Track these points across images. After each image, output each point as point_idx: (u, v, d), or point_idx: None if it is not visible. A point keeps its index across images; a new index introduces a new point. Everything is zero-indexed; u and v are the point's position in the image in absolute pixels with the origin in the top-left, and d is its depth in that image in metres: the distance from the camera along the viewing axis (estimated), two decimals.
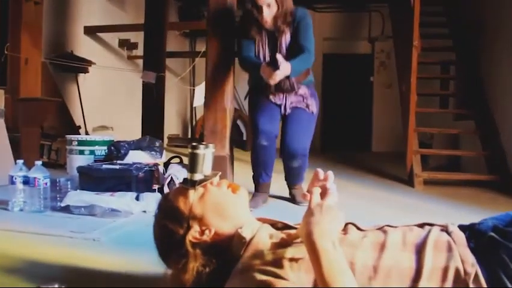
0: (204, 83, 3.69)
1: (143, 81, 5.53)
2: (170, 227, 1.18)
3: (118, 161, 3.20)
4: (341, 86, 8.96)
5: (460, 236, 1.10)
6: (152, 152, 3.35)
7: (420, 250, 1.06)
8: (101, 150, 3.49)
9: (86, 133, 5.85)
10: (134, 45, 7.20)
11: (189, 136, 9.25)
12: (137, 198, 2.76)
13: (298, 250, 1.04)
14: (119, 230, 2.28)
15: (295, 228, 1.20)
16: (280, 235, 1.16)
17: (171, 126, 8.44)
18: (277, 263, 1.03)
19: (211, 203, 1.18)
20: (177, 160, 3.51)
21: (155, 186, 2.98)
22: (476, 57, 5.38)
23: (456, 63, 5.87)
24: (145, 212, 2.64)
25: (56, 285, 1.30)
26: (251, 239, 1.13)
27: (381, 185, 4.30)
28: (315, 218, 1.02)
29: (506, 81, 4.58)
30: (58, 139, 4.58)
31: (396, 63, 5.76)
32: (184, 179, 1.24)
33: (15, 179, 2.60)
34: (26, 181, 2.60)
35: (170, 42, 7.21)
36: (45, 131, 4.75)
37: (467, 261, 1.02)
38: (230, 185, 1.24)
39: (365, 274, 1.03)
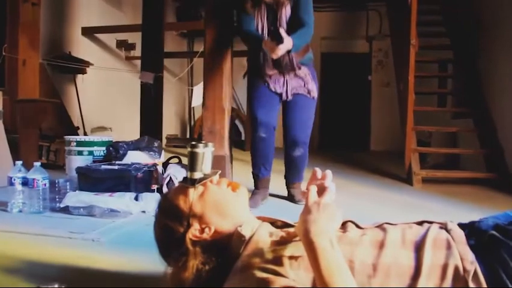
0: (202, 83, 3.69)
1: (141, 82, 5.53)
2: (170, 225, 1.18)
3: (117, 162, 3.20)
4: (339, 85, 8.97)
5: (459, 234, 1.10)
6: (151, 152, 3.34)
7: (419, 248, 1.06)
8: (100, 151, 3.49)
9: (85, 134, 5.86)
10: (132, 46, 7.20)
11: (188, 136, 9.25)
12: (136, 199, 2.76)
13: (297, 248, 1.04)
14: (119, 230, 2.28)
15: (295, 226, 1.20)
16: (279, 233, 1.16)
17: (170, 126, 8.45)
18: (277, 260, 1.03)
19: (211, 201, 1.18)
20: (176, 160, 3.51)
21: (154, 187, 2.98)
22: (473, 56, 5.39)
23: (454, 62, 5.88)
24: (144, 212, 2.65)
25: (56, 285, 1.31)
26: (251, 237, 1.14)
27: (380, 183, 4.30)
28: (312, 216, 1.02)
29: (504, 79, 4.58)
30: (57, 140, 4.57)
31: (394, 61, 5.77)
32: (184, 177, 1.24)
33: (14, 180, 2.60)
34: (25, 182, 2.60)
35: (168, 42, 7.22)
36: (44, 132, 4.75)
37: (466, 258, 1.02)
38: (230, 183, 1.25)
39: (364, 272, 1.03)
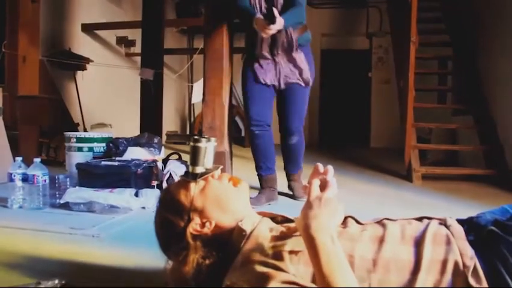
0: (201, 80, 3.69)
1: (141, 79, 5.52)
2: (171, 219, 1.18)
3: (117, 158, 3.20)
4: (339, 82, 8.97)
5: (459, 230, 1.10)
6: (151, 149, 3.35)
7: (419, 243, 1.06)
8: (100, 147, 3.50)
9: (85, 130, 5.85)
10: (132, 43, 7.19)
11: (188, 133, 9.25)
12: (136, 195, 2.76)
13: (298, 243, 1.04)
14: (119, 226, 2.29)
15: (295, 221, 1.20)
16: (280, 228, 1.17)
17: (169, 122, 8.45)
18: (277, 255, 1.03)
19: (212, 195, 1.19)
20: (176, 156, 3.51)
21: (154, 183, 2.98)
22: (473, 52, 5.38)
23: (453, 58, 5.88)
24: (144, 208, 2.65)
25: (56, 281, 1.31)
26: (251, 232, 1.14)
27: (380, 180, 4.31)
28: (314, 211, 1.01)
29: (503, 75, 4.58)
30: (57, 136, 4.57)
31: (394, 58, 5.77)
32: (186, 171, 1.24)
33: (14, 176, 2.60)
34: (25, 178, 2.60)
35: (168, 39, 7.22)
36: (44, 129, 4.75)
37: (466, 254, 1.02)
38: (231, 178, 1.25)
39: (364, 267, 1.03)
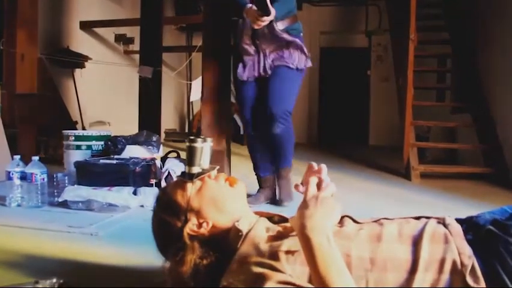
0: (200, 78, 3.68)
1: (139, 76, 5.51)
2: (168, 219, 1.18)
3: (115, 156, 3.20)
4: (338, 80, 8.97)
5: (457, 229, 1.10)
6: (150, 147, 3.34)
7: (416, 242, 1.06)
8: (98, 145, 3.49)
9: (83, 128, 5.84)
10: (131, 40, 7.16)
11: (186, 131, 9.24)
12: (134, 193, 2.77)
13: (294, 243, 1.04)
14: (117, 224, 2.29)
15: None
16: (276, 228, 1.17)
17: (168, 120, 8.43)
18: (274, 255, 1.03)
19: (208, 196, 1.18)
20: (174, 155, 3.51)
21: (153, 181, 2.98)
22: (472, 50, 5.38)
23: (452, 56, 5.88)
24: (142, 206, 2.65)
25: (54, 279, 1.31)
26: (248, 232, 1.14)
27: (378, 178, 4.31)
28: (309, 211, 1.01)
29: (502, 74, 4.58)
30: (55, 134, 4.56)
31: (393, 56, 5.77)
32: (182, 172, 1.24)
33: (13, 174, 2.60)
34: (24, 177, 2.60)
35: (167, 36, 7.19)
36: (42, 127, 4.74)
37: (464, 253, 1.02)
38: (228, 178, 1.24)
39: (361, 266, 1.03)
